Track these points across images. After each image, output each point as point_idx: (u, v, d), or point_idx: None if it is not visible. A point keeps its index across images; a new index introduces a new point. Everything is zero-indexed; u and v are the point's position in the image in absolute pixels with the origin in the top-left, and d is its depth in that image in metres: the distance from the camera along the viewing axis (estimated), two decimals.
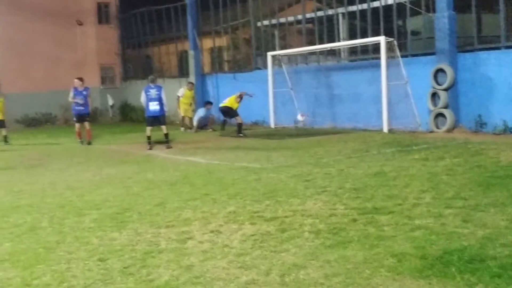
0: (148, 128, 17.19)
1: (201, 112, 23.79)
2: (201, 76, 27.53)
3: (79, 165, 14.25)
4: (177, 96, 23.80)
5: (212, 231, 6.98)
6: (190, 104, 24.05)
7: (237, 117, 20.71)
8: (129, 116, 32.01)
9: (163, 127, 17.26)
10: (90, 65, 32.63)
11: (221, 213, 7.95)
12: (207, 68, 28.64)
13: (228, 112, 21.33)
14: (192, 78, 27.31)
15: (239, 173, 11.49)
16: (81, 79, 20.52)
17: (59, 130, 27.74)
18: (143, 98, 17.47)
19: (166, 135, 17.32)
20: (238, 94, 21.35)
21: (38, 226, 7.73)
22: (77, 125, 20.06)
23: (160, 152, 16.09)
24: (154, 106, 17.05)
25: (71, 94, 19.98)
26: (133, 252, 6.24)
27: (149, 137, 17.13)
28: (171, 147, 16.86)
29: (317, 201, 8.36)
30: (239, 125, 20.22)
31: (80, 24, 33.34)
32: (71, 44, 32.92)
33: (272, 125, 22.52)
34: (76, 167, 13.90)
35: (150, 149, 16.72)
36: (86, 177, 12.06)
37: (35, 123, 31.62)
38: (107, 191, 10.19)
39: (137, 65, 34.15)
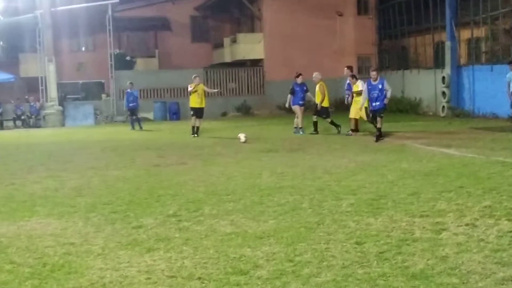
0: (373, 122, 17.13)
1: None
2: (457, 68, 26.81)
3: (336, 151, 14.79)
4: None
5: (467, 224, 6.96)
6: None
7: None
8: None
9: (378, 119, 16.90)
10: (348, 55, 33.31)
11: (476, 207, 7.86)
12: (463, 60, 27.79)
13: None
14: (447, 69, 26.72)
15: (495, 167, 11.14)
16: (350, 68, 20.45)
17: None
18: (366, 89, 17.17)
19: (379, 128, 16.88)
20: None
21: (299, 207, 8.28)
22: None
23: (414, 142, 16.07)
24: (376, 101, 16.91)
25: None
26: (388, 238, 6.47)
27: (379, 129, 16.87)
28: (377, 141, 16.44)
29: None
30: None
31: (340, 15, 34.22)
32: (331, 34, 33.97)
33: None
34: (333, 153, 14.45)
35: (377, 140, 16.46)
36: (342, 163, 12.53)
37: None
38: (363, 178, 10.53)
39: (392, 55, 34.14)
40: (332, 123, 19.69)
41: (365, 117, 18.63)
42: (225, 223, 7.46)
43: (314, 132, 19.56)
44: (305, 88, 20.13)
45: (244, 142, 17.48)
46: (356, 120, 18.91)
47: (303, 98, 20.06)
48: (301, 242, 6.45)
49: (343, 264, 5.65)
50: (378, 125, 16.77)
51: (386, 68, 34.16)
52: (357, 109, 18.45)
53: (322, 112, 19.82)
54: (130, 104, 25.75)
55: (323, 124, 19.86)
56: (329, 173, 11.22)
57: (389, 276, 5.24)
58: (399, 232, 6.73)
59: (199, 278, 5.40)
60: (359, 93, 18.23)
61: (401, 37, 32.86)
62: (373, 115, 16.97)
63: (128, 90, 26.08)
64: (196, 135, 20.37)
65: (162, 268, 5.74)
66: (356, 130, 18.87)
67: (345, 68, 20.44)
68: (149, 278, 5.45)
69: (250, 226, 7.28)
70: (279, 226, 7.22)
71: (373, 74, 16.96)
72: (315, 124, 19.68)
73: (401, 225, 7.04)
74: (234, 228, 7.19)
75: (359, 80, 19.03)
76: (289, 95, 20.42)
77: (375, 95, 16.61)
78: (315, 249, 6.17)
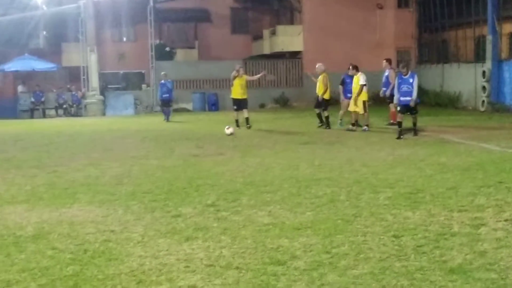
0: (400, 115, 16.27)
1: None
2: (498, 62, 26.36)
3: (374, 144, 14.72)
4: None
5: (506, 220, 6.92)
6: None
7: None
8: (421, 99, 31.72)
9: (413, 116, 16.35)
10: (387, 48, 32.94)
11: None
12: (504, 54, 27.30)
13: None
14: (488, 64, 26.29)
15: None
16: (389, 61, 19.94)
17: None
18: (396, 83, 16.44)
19: (414, 123, 16.44)
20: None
21: (337, 199, 8.31)
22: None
23: (453, 136, 15.91)
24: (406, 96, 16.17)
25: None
26: (426, 232, 6.46)
27: (400, 123, 16.18)
28: (416, 135, 16.14)
29: None
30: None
31: (381, 8, 33.90)
32: (370, 27, 33.67)
33: None
34: (371, 146, 14.40)
35: (400, 137, 15.67)
36: (380, 156, 12.49)
37: (332, 102, 32.98)
38: (400, 171, 10.49)
39: (432, 49, 33.72)
40: (326, 118, 19.35)
41: (361, 110, 18.39)
42: (263, 214, 7.52)
43: (320, 125, 19.51)
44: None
45: (230, 134, 17.57)
46: (355, 113, 18.57)
47: (352, 91, 19.02)
48: (338, 234, 6.48)
49: (380, 257, 5.67)
50: (413, 121, 16.36)
51: (425, 61, 33.82)
52: (359, 102, 18.29)
53: (322, 104, 19.52)
54: (163, 95, 25.55)
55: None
56: (367, 166, 11.20)
57: (426, 270, 5.25)
58: (437, 226, 6.72)
59: (237, 267, 5.48)
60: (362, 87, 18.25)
61: (442, 30, 32.40)
62: (401, 109, 16.23)
63: (162, 81, 25.88)
64: (247, 126, 19.73)
65: (201, 257, 5.83)
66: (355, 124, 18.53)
67: (384, 61, 20.12)
68: (187, 267, 5.54)
69: (288, 217, 7.33)
70: (317, 218, 7.26)
71: (403, 70, 16.35)
72: (320, 116, 19.60)
73: (439, 219, 7.02)
74: (272, 219, 7.24)
75: (360, 73, 18.69)
76: (340, 86, 19.83)
77: (406, 89, 16.10)
78: (352, 242, 6.19)
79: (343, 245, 6.10)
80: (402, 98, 16.16)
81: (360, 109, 18.43)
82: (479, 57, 28.19)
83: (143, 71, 35.13)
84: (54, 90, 32.70)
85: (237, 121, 20.08)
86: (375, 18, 34.03)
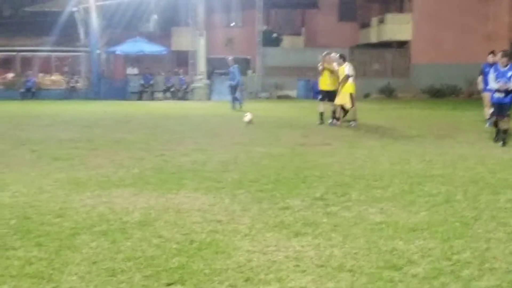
0: (495, 117, 14.02)
1: None
2: None
3: (487, 140, 13.99)
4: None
5: None
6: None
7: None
8: None
9: (505, 119, 13.52)
10: (500, 40, 31.52)
11: None
12: None
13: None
14: None
15: None
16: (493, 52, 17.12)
17: (463, 103, 27.48)
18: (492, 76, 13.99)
19: (505, 130, 13.49)
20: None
21: (453, 199, 7.80)
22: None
23: None
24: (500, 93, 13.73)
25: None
26: None
27: (496, 124, 13.97)
28: (504, 145, 13.13)
29: None
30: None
31: None
32: (482, 17, 32.33)
33: None
34: (484, 142, 13.73)
35: (496, 141, 13.54)
36: (496, 154, 11.82)
37: (439, 94, 31.95)
38: None
39: None
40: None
41: (349, 104, 17.28)
42: (374, 211, 7.15)
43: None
44: None
45: (249, 122, 17.22)
46: (341, 107, 17.48)
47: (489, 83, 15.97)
48: (457, 239, 6.03)
49: (508, 268, 5.19)
50: (505, 126, 13.46)
51: None
52: (345, 94, 17.21)
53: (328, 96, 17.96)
54: (229, 82, 24.66)
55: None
56: (482, 164, 10.58)
57: None
58: None
59: (350, 270, 5.15)
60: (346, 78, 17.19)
61: None
62: (495, 109, 13.90)
63: (230, 67, 24.82)
64: (320, 121, 17.80)
65: (311, 255, 5.54)
66: (338, 118, 17.49)
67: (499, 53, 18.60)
68: (297, 266, 5.26)
69: (401, 216, 6.93)
70: (432, 219, 6.81)
71: (503, 61, 13.72)
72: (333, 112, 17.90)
73: None
74: (384, 217, 6.86)
75: (346, 63, 17.58)
76: (479, 77, 17.36)
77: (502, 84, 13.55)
78: (474, 248, 5.73)
79: (464, 251, 5.65)
80: (496, 95, 13.72)
81: (347, 102, 17.33)
82: None
83: (249, 57, 35.17)
84: (162, 74, 33.30)
85: (321, 114, 17.98)
86: (488, 7, 32.64)
